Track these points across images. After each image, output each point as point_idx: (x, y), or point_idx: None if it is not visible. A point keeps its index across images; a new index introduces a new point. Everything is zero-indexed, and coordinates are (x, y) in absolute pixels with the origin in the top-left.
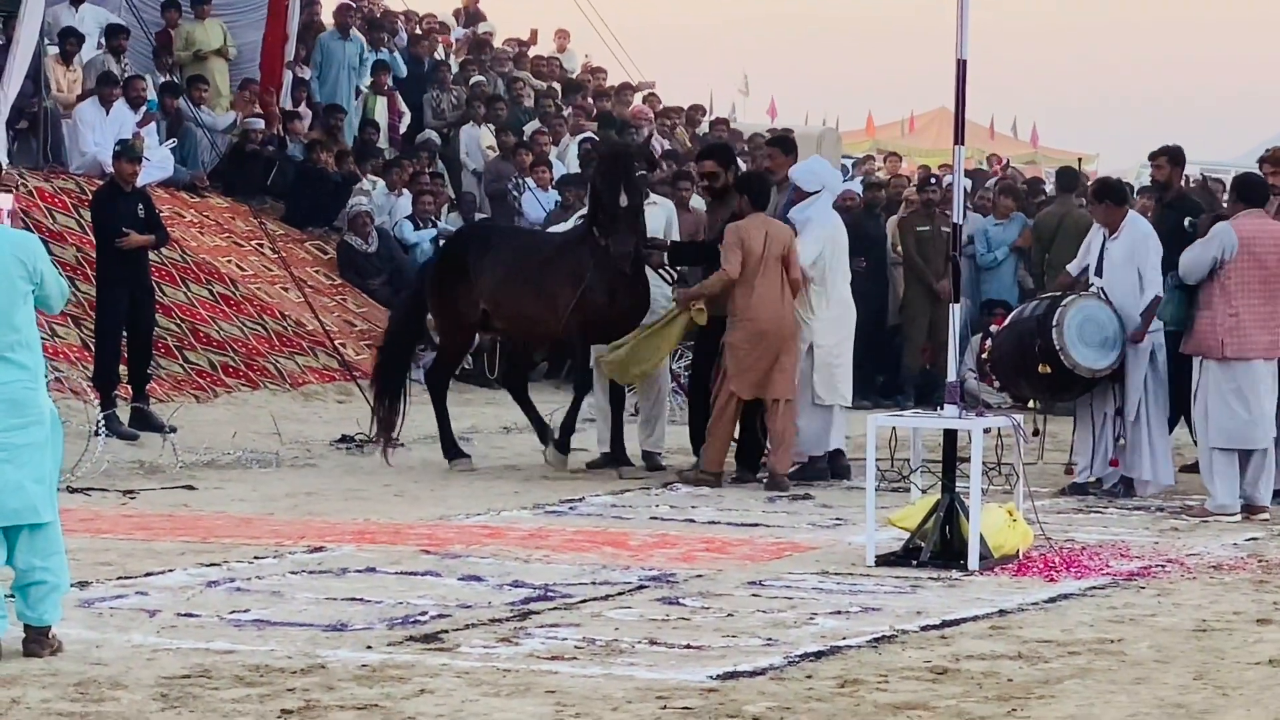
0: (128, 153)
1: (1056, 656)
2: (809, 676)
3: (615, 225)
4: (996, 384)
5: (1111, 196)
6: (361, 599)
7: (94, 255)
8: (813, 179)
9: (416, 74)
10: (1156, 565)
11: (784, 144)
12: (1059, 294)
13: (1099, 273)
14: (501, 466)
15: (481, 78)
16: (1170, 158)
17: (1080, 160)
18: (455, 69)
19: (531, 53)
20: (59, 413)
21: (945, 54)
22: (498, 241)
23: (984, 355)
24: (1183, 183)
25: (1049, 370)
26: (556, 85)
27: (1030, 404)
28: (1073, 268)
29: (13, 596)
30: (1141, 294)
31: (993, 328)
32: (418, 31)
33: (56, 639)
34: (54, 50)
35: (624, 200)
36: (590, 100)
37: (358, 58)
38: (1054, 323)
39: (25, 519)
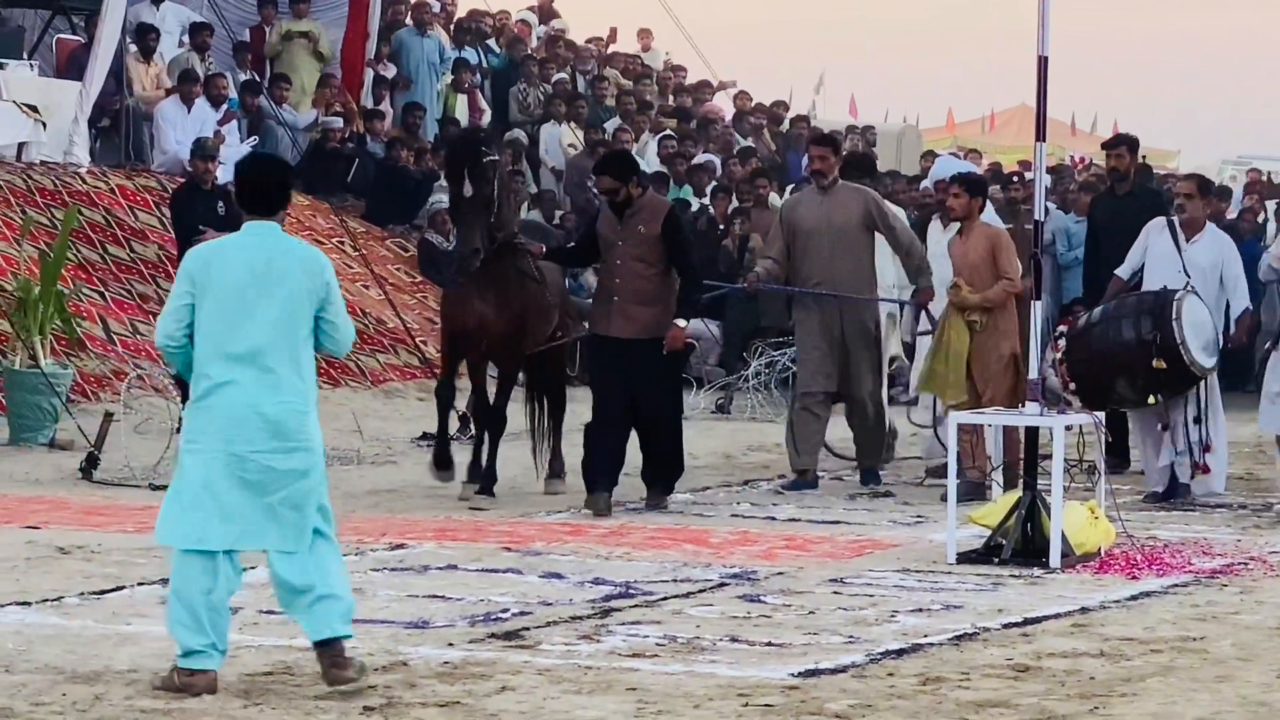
0: (201, 150)
1: (1139, 654)
2: (890, 674)
3: (459, 220)
4: (1073, 387)
5: (1216, 193)
6: (443, 596)
7: (175, 253)
8: None
9: (508, 71)
10: (1239, 563)
11: (835, 144)
12: (1160, 290)
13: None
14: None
15: (564, 75)
16: (1130, 147)
17: (1144, 157)
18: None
19: (610, 51)
20: (144, 411)
21: (1026, 51)
22: None
23: (1059, 357)
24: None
25: (1163, 366)
26: (644, 82)
27: (1151, 400)
28: (1123, 272)
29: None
30: (1226, 301)
31: (1061, 327)
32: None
33: (347, 654)
34: (133, 48)
35: (468, 190)
36: (656, 96)
37: (437, 55)
38: (1174, 316)
39: (282, 545)
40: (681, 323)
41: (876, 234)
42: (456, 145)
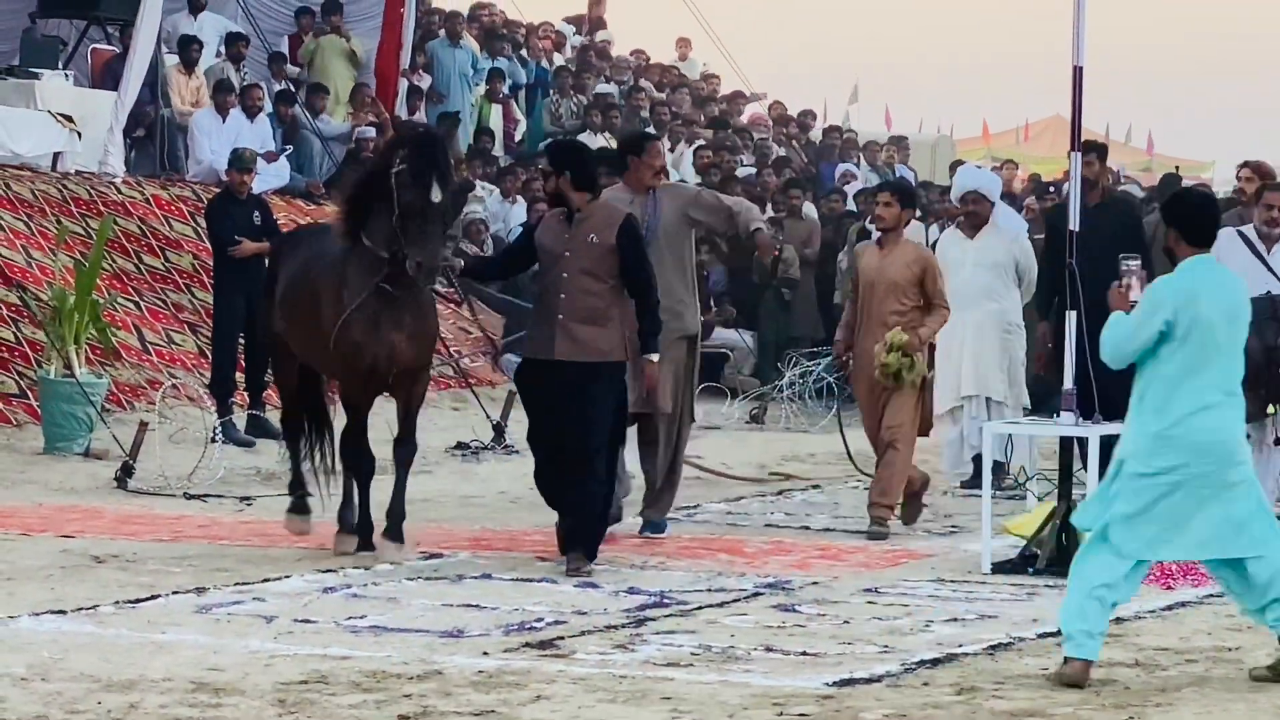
0: (237, 162)
1: (1174, 664)
2: (925, 684)
3: (425, 231)
4: None
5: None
6: (478, 605)
7: (210, 263)
8: (997, 186)
9: (543, 81)
10: None
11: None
12: (1271, 296)
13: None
14: None
15: (610, 89)
16: (1100, 155)
17: (1178, 168)
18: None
19: (647, 62)
20: (178, 420)
21: (1061, 61)
22: (300, 246)
23: None
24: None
25: None
26: (682, 93)
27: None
28: None
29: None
30: None
31: None
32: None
33: None
34: (174, 60)
35: (436, 195)
36: (688, 102)
37: (470, 65)
38: None
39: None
40: (654, 358)
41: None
42: (425, 144)
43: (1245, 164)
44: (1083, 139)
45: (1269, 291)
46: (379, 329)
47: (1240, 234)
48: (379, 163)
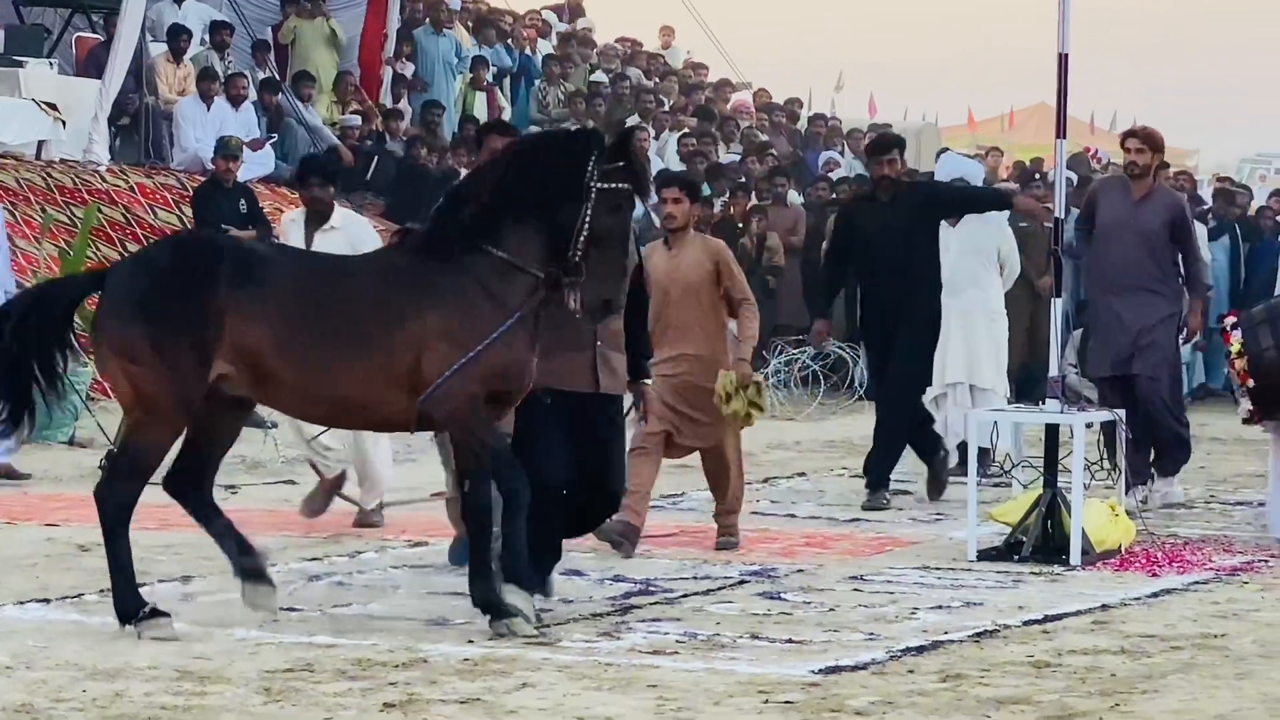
0: (225, 149)
1: (1159, 651)
2: (911, 671)
3: (618, 265)
4: (1251, 384)
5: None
6: (463, 593)
7: None
8: (980, 174)
9: (527, 69)
10: (1259, 560)
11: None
12: None
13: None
14: None
15: (604, 78)
16: (901, 149)
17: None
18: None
19: (632, 50)
20: None
21: (1046, 48)
22: (275, 264)
23: (1237, 350)
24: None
25: None
26: (670, 81)
27: None
28: None
29: None
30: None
31: (1230, 319)
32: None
33: None
34: (162, 48)
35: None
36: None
37: (454, 53)
38: None
39: None
40: (649, 382)
41: None
42: (637, 155)
43: (1133, 134)
44: (1067, 126)
45: None
46: (528, 350)
47: None
48: (525, 162)
